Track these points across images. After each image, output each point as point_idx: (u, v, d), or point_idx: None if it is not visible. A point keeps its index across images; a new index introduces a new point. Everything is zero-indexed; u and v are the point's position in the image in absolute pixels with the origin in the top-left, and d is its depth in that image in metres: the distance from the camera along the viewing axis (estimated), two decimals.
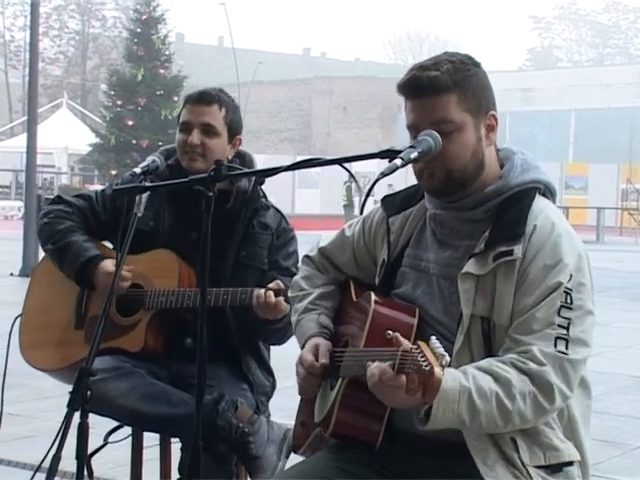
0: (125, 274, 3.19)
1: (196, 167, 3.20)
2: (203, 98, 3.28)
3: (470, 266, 2.28)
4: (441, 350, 2.03)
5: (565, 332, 2.21)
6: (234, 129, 3.33)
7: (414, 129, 2.31)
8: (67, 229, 3.36)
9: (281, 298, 3.09)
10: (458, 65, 2.31)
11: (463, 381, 2.16)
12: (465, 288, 2.28)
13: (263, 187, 3.45)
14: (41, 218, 3.44)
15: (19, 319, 3.45)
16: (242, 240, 3.33)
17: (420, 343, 2.07)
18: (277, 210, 3.44)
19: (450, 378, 2.12)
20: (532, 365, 2.19)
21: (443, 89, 2.27)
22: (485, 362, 2.22)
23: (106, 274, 3.25)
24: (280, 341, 3.34)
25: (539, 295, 2.23)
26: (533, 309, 2.23)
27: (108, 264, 3.28)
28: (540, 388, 2.19)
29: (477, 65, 2.35)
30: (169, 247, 3.30)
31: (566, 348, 2.21)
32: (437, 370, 2.01)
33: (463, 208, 2.36)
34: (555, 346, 2.20)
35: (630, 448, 5.54)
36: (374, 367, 2.13)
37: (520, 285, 2.25)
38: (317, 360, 2.44)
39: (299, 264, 2.80)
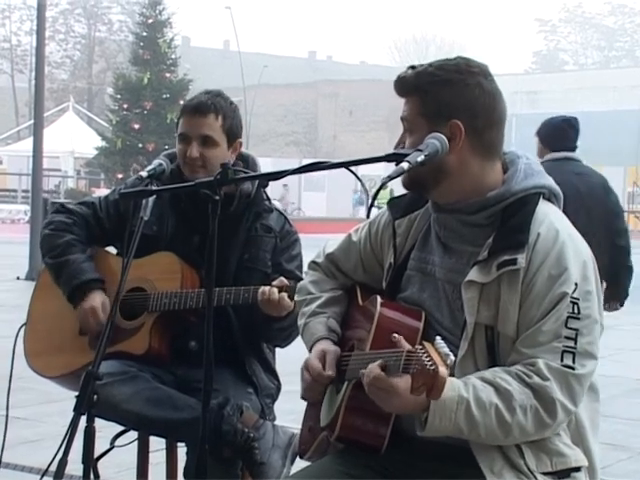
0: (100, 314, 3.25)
1: (198, 178, 3.19)
2: (198, 109, 3.24)
3: (474, 274, 2.26)
4: (446, 350, 2.03)
5: (573, 344, 2.20)
6: (233, 134, 3.31)
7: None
8: (67, 244, 3.36)
9: (284, 294, 3.09)
10: (432, 69, 2.32)
11: (462, 391, 2.15)
12: (469, 296, 2.27)
13: (269, 190, 3.45)
14: (43, 228, 3.46)
15: (24, 327, 3.46)
16: (245, 243, 3.33)
17: (425, 343, 2.07)
18: (281, 213, 3.44)
19: (450, 387, 2.11)
20: (536, 379, 2.18)
21: (406, 91, 2.36)
22: (489, 372, 2.22)
23: (89, 308, 3.27)
24: (284, 342, 3.34)
25: (546, 307, 2.21)
26: (540, 322, 2.21)
27: (96, 298, 3.29)
28: (542, 403, 2.17)
29: (460, 72, 2.30)
30: (171, 251, 3.30)
31: (573, 362, 2.19)
32: (442, 369, 2.00)
33: (465, 211, 2.34)
34: (562, 360, 2.19)
35: (637, 452, 5.53)
36: (367, 368, 2.15)
37: (526, 296, 2.23)
38: (324, 368, 2.43)
39: (305, 269, 2.79)
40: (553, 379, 2.17)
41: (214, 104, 3.25)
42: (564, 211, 2.40)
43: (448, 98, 2.29)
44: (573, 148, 5.36)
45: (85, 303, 3.29)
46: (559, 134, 5.47)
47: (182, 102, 3.57)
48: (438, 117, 2.29)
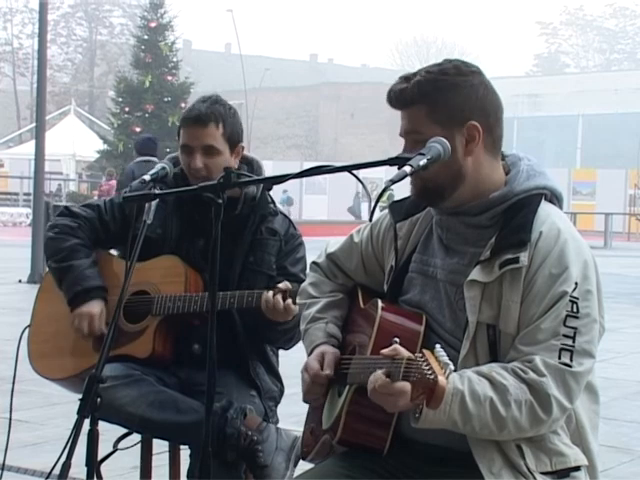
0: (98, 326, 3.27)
1: None
2: (199, 120, 3.22)
3: (476, 273, 2.28)
4: (445, 359, 2.04)
5: (571, 343, 2.21)
6: (235, 140, 3.30)
7: (401, 136, 2.37)
8: (71, 248, 3.36)
9: (289, 300, 3.09)
10: (434, 76, 2.31)
11: (457, 383, 2.16)
12: (471, 295, 2.28)
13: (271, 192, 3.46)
14: (47, 231, 3.45)
15: (27, 329, 3.46)
16: (250, 246, 3.33)
17: (425, 351, 2.08)
18: (285, 216, 3.44)
19: None
20: (532, 375, 2.19)
21: (409, 102, 2.32)
22: (486, 367, 2.23)
23: (87, 313, 3.28)
24: (288, 344, 3.34)
25: (545, 305, 2.23)
26: (539, 320, 2.22)
27: (95, 306, 3.29)
28: (537, 398, 2.18)
29: (464, 74, 2.32)
30: (176, 254, 3.31)
31: (570, 360, 2.20)
32: (441, 379, 2.01)
33: (468, 213, 2.35)
34: (559, 357, 2.20)
35: (639, 454, 5.52)
36: (371, 376, 2.16)
37: (527, 294, 2.24)
38: (322, 369, 2.44)
39: (307, 270, 2.79)
40: (549, 375, 2.18)
41: (213, 113, 3.24)
42: None
43: (460, 101, 2.30)
44: (155, 155, 8.58)
45: (83, 307, 3.29)
46: (146, 145, 10.65)
47: (183, 105, 3.58)
48: (452, 122, 2.30)
